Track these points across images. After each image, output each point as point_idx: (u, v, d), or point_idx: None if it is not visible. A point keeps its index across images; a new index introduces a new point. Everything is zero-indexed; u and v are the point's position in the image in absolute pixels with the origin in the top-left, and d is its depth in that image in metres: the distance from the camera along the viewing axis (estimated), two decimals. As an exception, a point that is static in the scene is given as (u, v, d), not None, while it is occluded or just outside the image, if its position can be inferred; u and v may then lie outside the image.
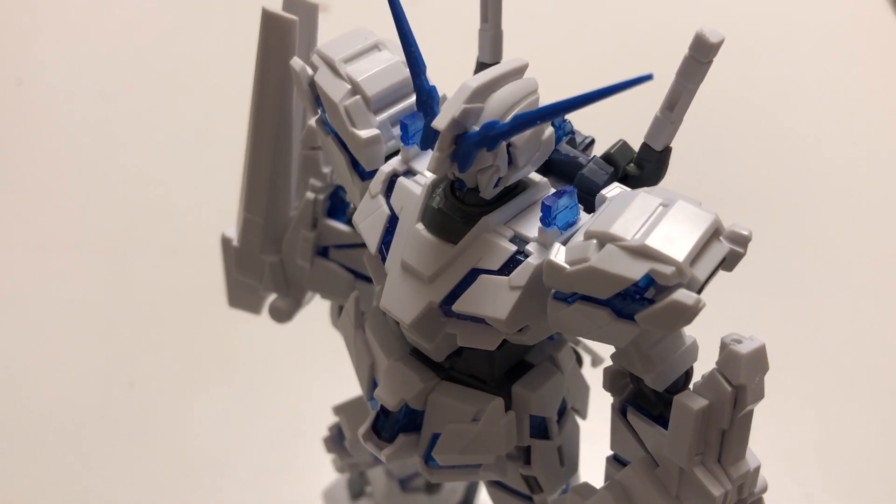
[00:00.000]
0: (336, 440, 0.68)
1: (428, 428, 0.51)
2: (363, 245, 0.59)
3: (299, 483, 0.89)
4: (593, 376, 0.56)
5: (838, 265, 1.12)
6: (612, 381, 0.48)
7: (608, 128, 0.51)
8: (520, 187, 0.46)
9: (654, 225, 0.39)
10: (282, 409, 0.97)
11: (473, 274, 0.45)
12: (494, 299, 0.44)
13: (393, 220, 0.48)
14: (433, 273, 0.45)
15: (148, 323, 1.07)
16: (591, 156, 0.47)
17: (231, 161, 0.63)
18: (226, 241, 0.62)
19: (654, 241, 0.39)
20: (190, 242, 1.16)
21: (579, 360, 0.57)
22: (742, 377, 0.42)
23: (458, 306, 0.45)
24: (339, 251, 0.60)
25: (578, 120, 0.49)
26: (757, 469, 0.46)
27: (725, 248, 0.40)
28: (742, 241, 0.41)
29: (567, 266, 0.41)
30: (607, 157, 0.47)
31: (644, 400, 0.47)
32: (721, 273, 0.41)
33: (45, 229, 1.18)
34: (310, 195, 0.58)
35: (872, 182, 1.21)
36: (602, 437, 0.54)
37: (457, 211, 0.45)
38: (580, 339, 0.56)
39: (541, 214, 0.43)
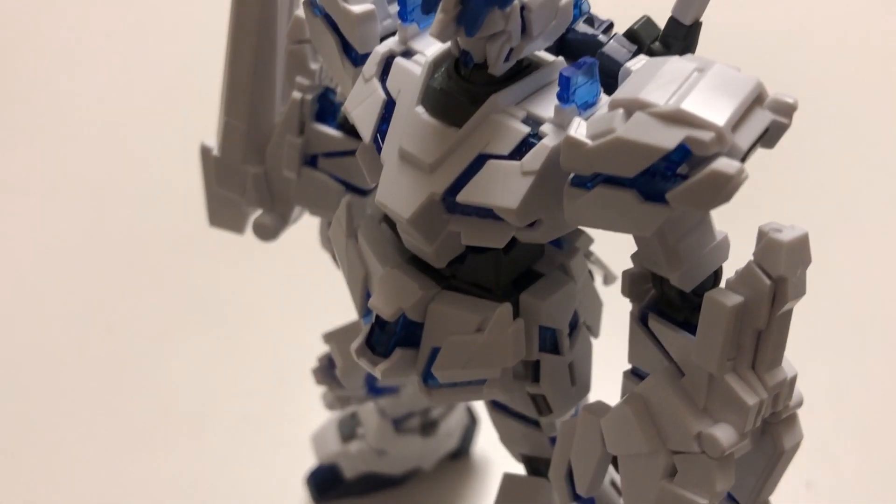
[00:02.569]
0: (326, 370, 0.63)
1: (427, 341, 0.47)
2: (353, 153, 0.54)
3: (287, 429, 0.84)
4: (606, 297, 0.52)
5: (852, 214, 1.08)
6: (632, 285, 0.43)
7: (627, 16, 0.46)
8: (532, 66, 0.41)
9: (690, 90, 0.35)
10: (267, 354, 0.93)
11: (480, 160, 0.40)
12: (504, 187, 0.39)
13: (389, 106, 0.43)
14: (435, 160, 0.41)
15: (127, 267, 1.02)
16: (612, 33, 0.43)
17: (214, 100, 0.58)
18: (205, 151, 0.57)
19: (691, 106, 0.34)
20: (171, 186, 1.11)
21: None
22: (783, 268, 0.37)
23: (463, 196, 0.40)
24: (329, 160, 0.55)
25: (596, 5, 0.45)
26: (794, 379, 0.41)
27: (768, 118, 0.35)
28: (787, 110, 0.36)
29: (588, 141, 0.36)
30: (630, 35, 0.42)
31: (668, 305, 0.43)
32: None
33: (20, 173, 1.13)
34: (296, 95, 0.53)
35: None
36: (615, 362, 0.50)
37: (462, 91, 0.41)
38: (592, 252, 0.51)
39: (557, 90, 0.38)
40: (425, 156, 0.41)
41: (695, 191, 0.34)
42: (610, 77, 0.41)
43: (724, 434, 0.40)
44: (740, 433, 0.40)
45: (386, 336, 0.47)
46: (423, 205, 0.41)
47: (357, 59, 0.46)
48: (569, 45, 0.43)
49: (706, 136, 0.33)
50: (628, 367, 0.46)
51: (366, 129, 0.43)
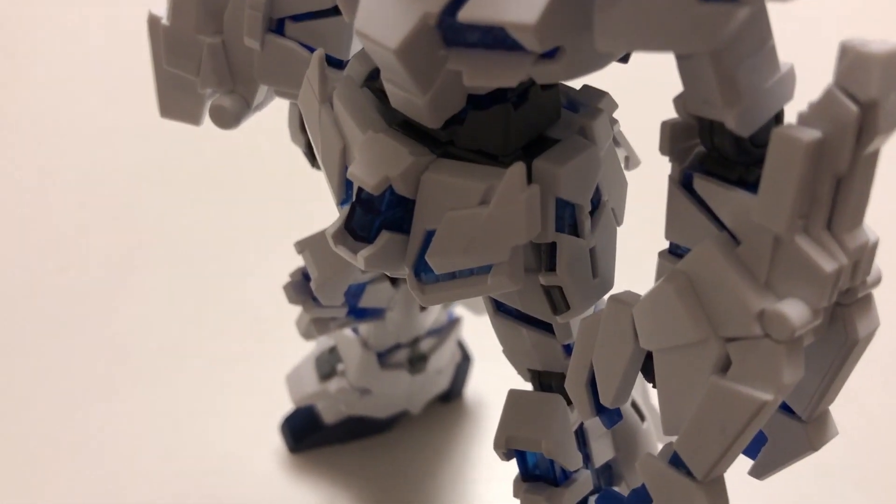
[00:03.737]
0: (300, 286, 0.55)
1: (420, 222, 0.38)
2: (330, 13, 0.46)
3: (259, 370, 0.76)
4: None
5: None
6: (673, 139, 0.35)
7: None
8: None
9: None
10: (237, 289, 0.84)
11: (487, -33, 0.32)
12: None
13: (370, -86, 0.34)
14: (429, -29, 0.32)
15: (85, 204, 0.93)
16: None
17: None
18: (153, 21, 0.49)
19: None
20: (128, 117, 1.02)
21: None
22: (875, 89, 0.29)
23: (466, 13, 0.32)
24: (298, 24, 0.46)
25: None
26: (875, 245, 0.33)
27: None
28: None
29: None
30: None
31: (718, 163, 0.35)
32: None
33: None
34: (258, -59, 0.44)
35: None
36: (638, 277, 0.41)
37: None
38: (617, 120, 0.43)
39: None
40: (417, -34, 0.32)
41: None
42: None
43: (793, 310, 0.32)
44: (814, 309, 0.32)
45: (369, 217, 0.39)
46: (414, 29, 0.33)
47: None
48: None
49: None
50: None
51: (341, -55, 0.35)
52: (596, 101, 0.40)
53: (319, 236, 0.52)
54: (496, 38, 0.33)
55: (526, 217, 0.36)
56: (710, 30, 0.29)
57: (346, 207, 0.39)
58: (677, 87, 0.34)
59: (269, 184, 0.94)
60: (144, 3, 0.50)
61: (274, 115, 0.56)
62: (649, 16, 0.29)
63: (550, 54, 0.33)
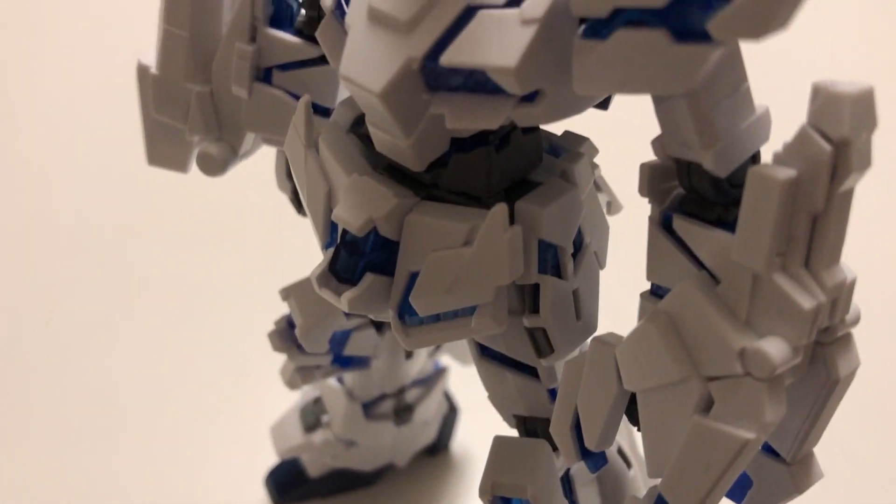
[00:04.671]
0: (285, 333, 0.55)
1: (404, 264, 0.39)
2: (317, 62, 0.47)
3: (242, 422, 0.75)
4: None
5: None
6: (652, 181, 0.36)
7: None
8: None
9: None
10: (219, 340, 0.83)
11: (469, 12, 0.33)
12: (500, 42, 0.32)
13: (354, -38, 0.35)
14: (413, 16, 0.33)
15: (66, 255, 0.93)
16: None
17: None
18: (142, 70, 0.49)
19: None
20: (112, 171, 1.02)
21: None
22: (846, 128, 0.30)
23: (448, 57, 0.33)
24: (286, 73, 0.47)
25: None
26: (853, 283, 0.34)
27: None
28: None
29: None
30: None
31: (696, 204, 0.35)
32: None
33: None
34: (248, -8, 0.45)
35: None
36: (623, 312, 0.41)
37: None
38: (598, 165, 0.44)
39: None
40: (400, 12, 0.33)
41: (747, 8, 0.27)
42: None
43: (774, 348, 0.32)
44: (794, 346, 0.32)
45: (354, 259, 0.39)
46: (398, 72, 0.33)
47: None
48: None
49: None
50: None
51: (326, -7, 0.36)
52: (577, 145, 0.41)
53: (304, 283, 0.52)
54: (478, 82, 0.33)
55: (509, 257, 0.36)
56: (686, 70, 0.30)
57: (331, 250, 0.40)
58: (655, 129, 0.35)
59: (253, 232, 0.94)
60: (132, 52, 0.51)
61: (260, 162, 0.57)
62: (626, 59, 0.30)
63: (530, 97, 0.33)
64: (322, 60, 0.46)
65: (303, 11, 0.46)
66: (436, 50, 0.33)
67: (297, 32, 0.46)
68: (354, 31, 0.35)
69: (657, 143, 0.35)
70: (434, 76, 0.34)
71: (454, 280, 0.37)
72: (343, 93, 0.48)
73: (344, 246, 0.39)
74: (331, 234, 0.41)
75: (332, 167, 0.40)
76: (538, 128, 0.39)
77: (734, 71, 0.32)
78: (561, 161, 0.40)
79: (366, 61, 0.34)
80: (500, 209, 0.36)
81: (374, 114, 0.36)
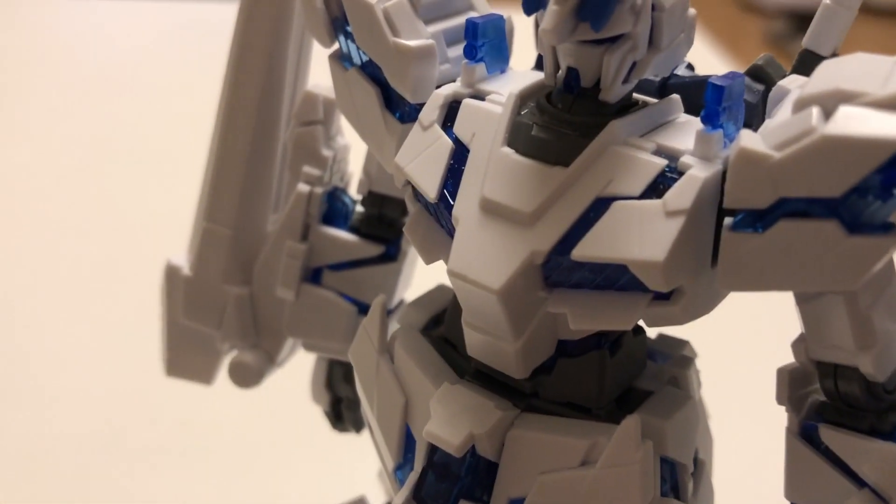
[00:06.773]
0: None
1: (503, 490, 0.33)
2: (374, 262, 0.43)
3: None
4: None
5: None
6: (792, 387, 0.32)
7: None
8: (641, 104, 0.33)
9: (902, 75, 0.26)
10: None
11: (600, 204, 0.30)
12: (642, 235, 0.29)
13: (459, 153, 0.33)
14: (536, 208, 0.30)
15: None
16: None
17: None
18: (172, 272, 0.45)
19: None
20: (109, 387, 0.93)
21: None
22: None
23: (581, 251, 0.29)
24: (338, 274, 0.43)
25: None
26: None
27: None
28: None
29: (774, 152, 0.27)
30: (754, 73, 0.34)
31: (841, 413, 0.32)
32: None
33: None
34: (303, 188, 0.42)
35: None
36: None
37: (565, 123, 0.31)
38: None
39: (702, 112, 0.30)
40: (522, 204, 0.30)
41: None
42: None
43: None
44: None
45: (445, 485, 0.34)
46: (520, 268, 0.30)
47: (405, 114, 0.36)
48: (672, 90, 0.35)
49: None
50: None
51: (429, 183, 0.33)
52: (678, 349, 0.38)
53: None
54: (607, 279, 0.30)
55: (641, 479, 0.31)
56: (856, 265, 0.27)
57: (414, 474, 0.34)
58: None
59: (278, 452, 0.82)
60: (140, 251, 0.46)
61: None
62: (787, 253, 0.28)
63: (666, 295, 0.30)
64: (381, 260, 0.43)
65: (359, 209, 0.43)
66: (563, 243, 0.30)
67: (353, 230, 0.43)
68: (465, 225, 0.31)
69: (799, 346, 0.32)
70: (556, 272, 0.30)
71: (572, 508, 0.32)
72: (400, 293, 0.44)
73: (432, 468, 0.34)
74: (405, 454, 0.36)
75: (413, 375, 0.36)
76: (644, 330, 0.36)
77: (889, 267, 0.30)
78: (668, 366, 0.36)
79: (480, 256, 0.31)
80: (633, 422, 0.31)
81: (478, 314, 0.32)
